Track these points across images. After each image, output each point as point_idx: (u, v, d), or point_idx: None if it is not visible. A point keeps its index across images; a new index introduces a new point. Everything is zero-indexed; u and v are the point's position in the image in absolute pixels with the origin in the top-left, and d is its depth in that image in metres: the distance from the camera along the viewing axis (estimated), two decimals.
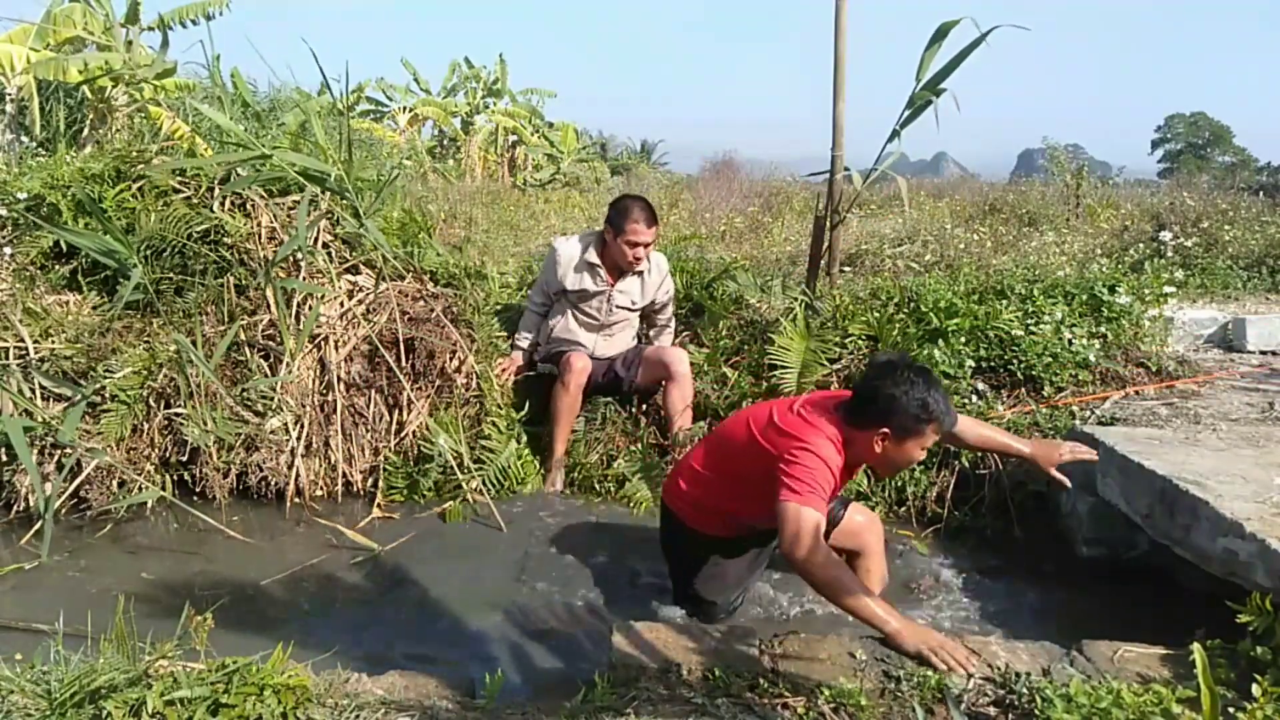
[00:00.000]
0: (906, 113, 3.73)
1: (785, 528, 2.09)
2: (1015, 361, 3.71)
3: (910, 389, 2.15)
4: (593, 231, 3.87)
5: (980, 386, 3.70)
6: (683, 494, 2.58)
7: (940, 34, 3.54)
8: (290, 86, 6.08)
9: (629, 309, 3.87)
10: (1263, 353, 4.44)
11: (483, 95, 19.76)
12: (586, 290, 3.76)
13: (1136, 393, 3.67)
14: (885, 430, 2.18)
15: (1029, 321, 3.84)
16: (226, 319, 3.70)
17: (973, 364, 3.71)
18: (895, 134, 3.81)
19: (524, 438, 3.79)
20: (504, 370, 3.90)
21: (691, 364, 3.83)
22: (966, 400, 3.63)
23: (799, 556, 2.05)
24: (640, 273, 3.80)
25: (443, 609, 2.74)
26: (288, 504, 3.51)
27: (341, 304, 3.86)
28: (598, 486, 3.66)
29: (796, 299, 4.17)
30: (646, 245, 3.66)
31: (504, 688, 1.85)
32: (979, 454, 3.33)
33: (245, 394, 3.57)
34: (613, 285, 3.78)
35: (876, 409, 2.19)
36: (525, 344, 3.97)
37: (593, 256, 3.73)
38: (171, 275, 3.78)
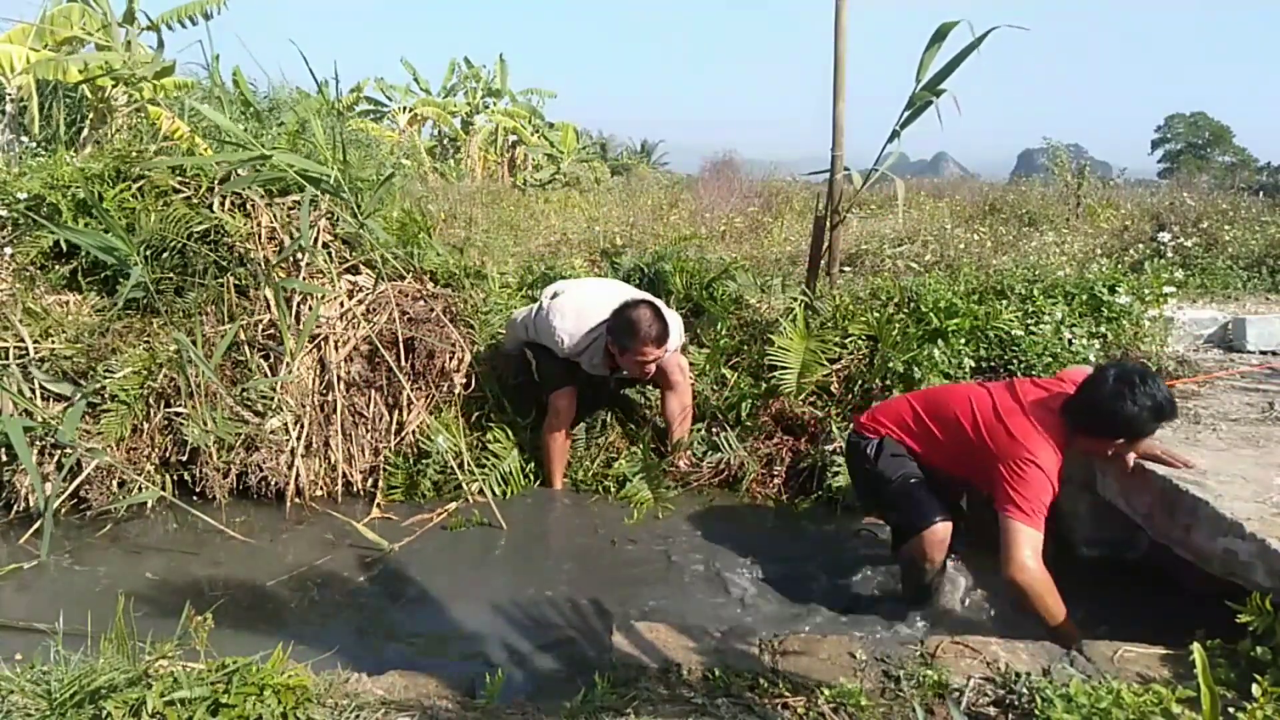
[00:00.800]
0: (906, 113, 3.74)
1: (1010, 548, 2.24)
2: (1015, 361, 3.71)
3: (1145, 400, 2.28)
4: (596, 329, 3.45)
5: None
6: (886, 426, 2.71)
7: (940, 35, 3.54)
8: (290, 87, 6.09)
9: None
10: (1263, 353, 4.44)
11: (482, 95, 19.74)
12: (589, 373, 3.63)
13: None
14: (1120, 440, 2.37)
15: (1029, 321, 3.84)
16: (226, 319, 3.69)
17: (972, 364, 3.71)
18: (895, 134, 3.82)
19: (526, 443, 3.77)
20: None
21: (691, 364, 3.82)
22: None
23: (1021, 579, 2.21)
24: None
25: (443, 609, 2.74)
26: (288, 504, 3.51)
27: (341, 304, 3.86)
28: (598, 487, 3.66)
29: (796, 299, 4.17)
30: (658, 358, 3.38)
31: (504, 688, 1.85)
32: None
33: (245, 394, 3.57)
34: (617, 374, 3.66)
35: (1113, 424, 2.33)
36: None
37: (598, 359, 3.49)
38: (171, 275, 3.78)
